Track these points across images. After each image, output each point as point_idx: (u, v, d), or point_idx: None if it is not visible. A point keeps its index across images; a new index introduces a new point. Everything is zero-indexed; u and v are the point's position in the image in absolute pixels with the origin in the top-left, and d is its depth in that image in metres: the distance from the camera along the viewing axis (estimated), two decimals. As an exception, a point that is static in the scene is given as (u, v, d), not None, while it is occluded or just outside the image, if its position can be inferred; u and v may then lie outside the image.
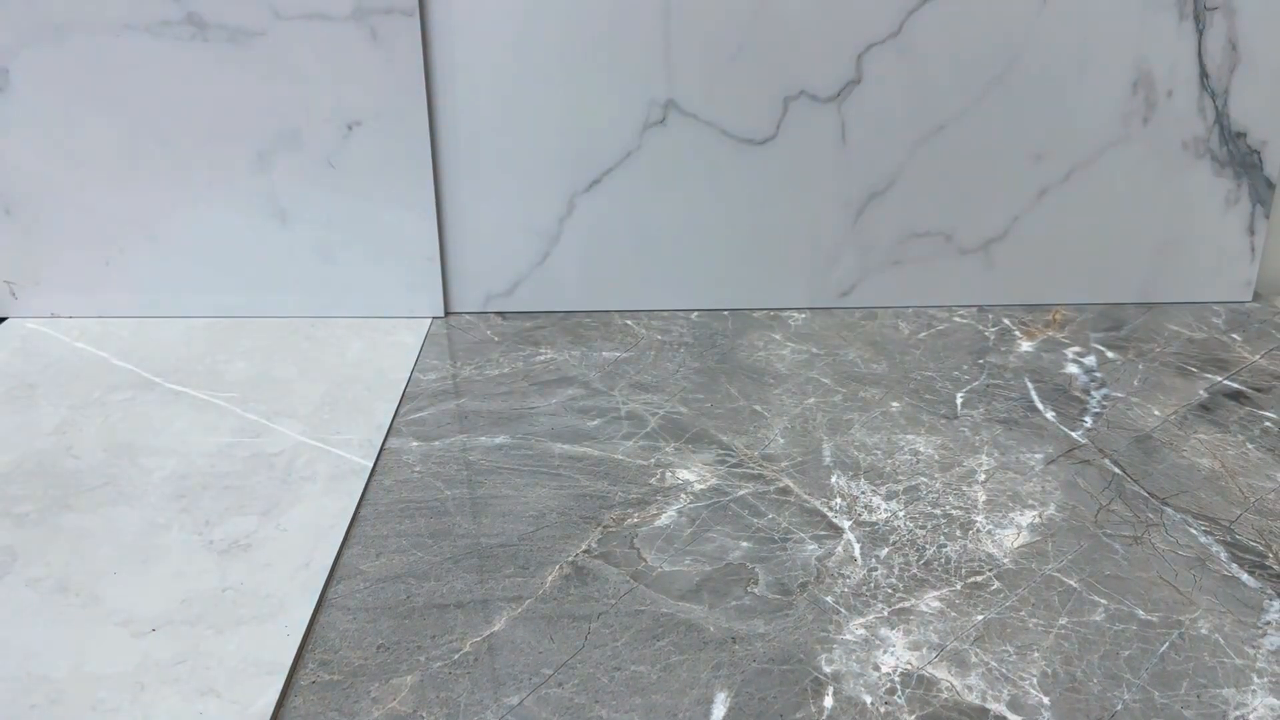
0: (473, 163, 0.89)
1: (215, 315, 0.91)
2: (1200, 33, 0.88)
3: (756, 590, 0.60)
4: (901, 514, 0.67)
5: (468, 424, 0.76)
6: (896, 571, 0.61)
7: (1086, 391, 0.82)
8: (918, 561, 0.62)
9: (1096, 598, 0.59)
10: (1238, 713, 0.51)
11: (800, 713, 0.51)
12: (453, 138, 0.88)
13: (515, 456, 0.73)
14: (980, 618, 0.58)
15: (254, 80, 0.83)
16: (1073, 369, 0.85)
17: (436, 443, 0.74)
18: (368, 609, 0.58)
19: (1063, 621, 0.57)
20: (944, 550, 0.63)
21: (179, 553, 0.63)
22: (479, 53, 0.85)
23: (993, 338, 0.91)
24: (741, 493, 0.69)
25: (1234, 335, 0.92)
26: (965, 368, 0.85)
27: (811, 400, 0.80)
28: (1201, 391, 0.82)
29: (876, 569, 0.62)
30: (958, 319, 0.94)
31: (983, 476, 0.71)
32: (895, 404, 0.80)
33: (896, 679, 0.53)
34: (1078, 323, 0.94)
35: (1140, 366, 0.86)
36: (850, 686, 0.53)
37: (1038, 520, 0.66)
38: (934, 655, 0.55)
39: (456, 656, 0.55)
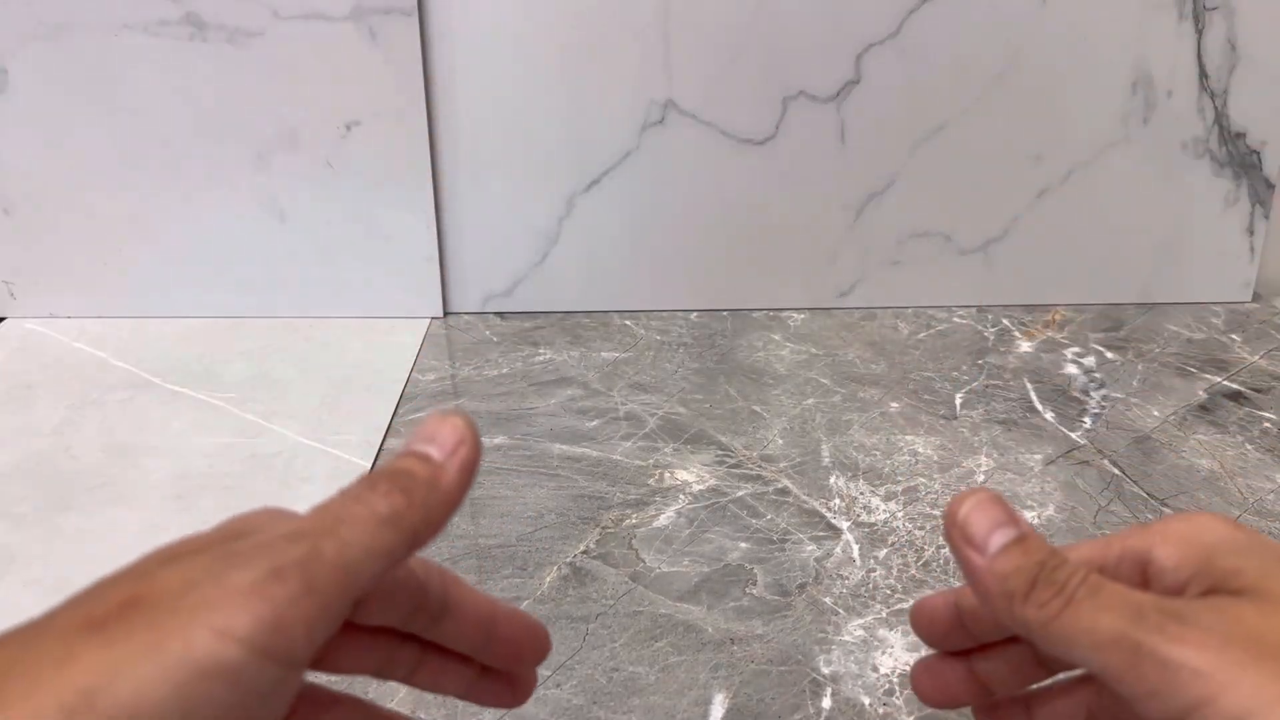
0: (472, 163, 0.89)
1: (214, 315, 0.91)
2: (1199, 33, 0.88)
3: (755, 591, 0.60)
4: (900, 515, 0.67)
5: (466, 424, 0.76)
6: (895, 572, 0.61)
7: (1086, 392, 0.82)
8: (916, 562, 0.62)
9: (1095, 599, 0.59)
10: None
11: (798, 714, 0.51)
12: (452, 138, 0.88)
13: (514, 457, 0.73)
14: (979, 619, 0.58)
15: (252, 80, 0.83)
16: (1072, 369, 0.85)
17: (435, 443, 0.74)
18: (366, 610, 0.58)
19: (1061, 623, 0.57)
20: (943, 551, 0.63)
21: (177, 553, 0.63)
22: (478, 52, 0.85)
23: (992, 338, 0.91)
24: (740, 493, 0.69)
25: (1233, 336, 0.92)
26: (964, 368, 0.85)
27: (810, 401, 0.80)
28: (1201, 392, 0.82)
29: (875, 570, 0.62)
30: (957, 319, 0.94)
31: (982, 477, 0.71)
32: (894, 404, 0.80)
33: (895, 680, 0.53)
34: (1077, 323, 0.94)
35: (1139, 367, 0.86)
36: (849, 687, 0.53)
37: (1036, 521, 0.66)
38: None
39: (455, 657, 0.54)
